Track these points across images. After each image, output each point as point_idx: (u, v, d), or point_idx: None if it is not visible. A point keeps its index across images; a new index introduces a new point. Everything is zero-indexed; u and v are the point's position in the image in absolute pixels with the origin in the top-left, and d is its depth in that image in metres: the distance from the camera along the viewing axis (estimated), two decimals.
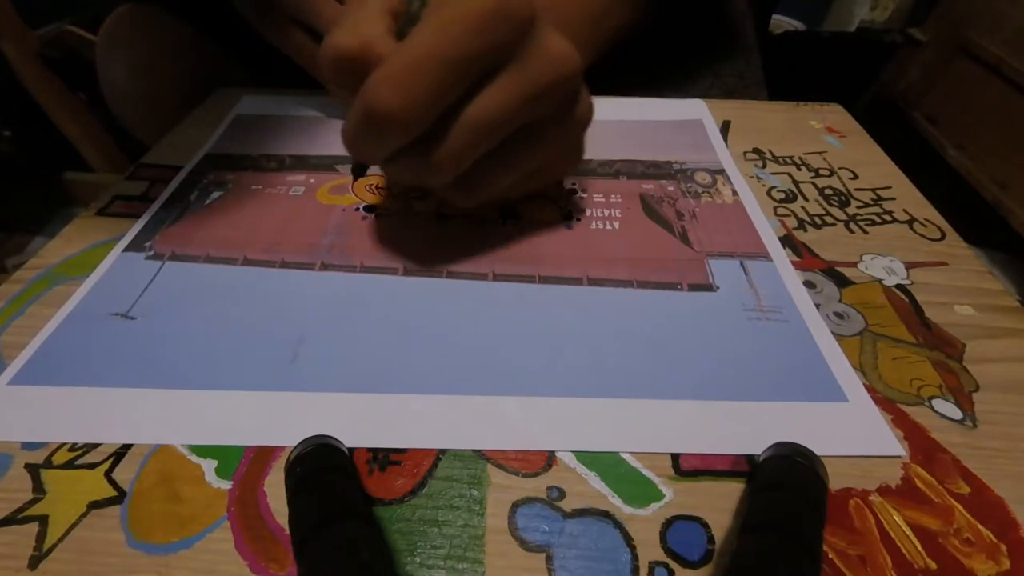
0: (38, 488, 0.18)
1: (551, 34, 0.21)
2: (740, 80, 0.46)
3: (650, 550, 0.16)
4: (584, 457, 0.18)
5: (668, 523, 0.17)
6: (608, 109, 0.38)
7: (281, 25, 0.36)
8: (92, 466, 0.18)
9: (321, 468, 0.16)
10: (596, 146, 0.34)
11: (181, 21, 0.46)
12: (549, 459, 0.18)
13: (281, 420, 0.19)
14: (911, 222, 0.28)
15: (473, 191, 0.24)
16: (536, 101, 0.21)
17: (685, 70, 0.46)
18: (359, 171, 0.26)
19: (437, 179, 0.22)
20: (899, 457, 0.18)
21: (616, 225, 0.28)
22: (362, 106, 0.19)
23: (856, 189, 0.31)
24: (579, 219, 0.28)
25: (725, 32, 0.48)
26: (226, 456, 0.18)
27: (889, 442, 0.19)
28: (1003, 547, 0.16)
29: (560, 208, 0.29)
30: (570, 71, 0.22)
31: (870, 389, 0.20)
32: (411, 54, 0.19)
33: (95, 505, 0.17)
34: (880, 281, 0.25)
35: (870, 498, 0.17)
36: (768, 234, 0.27)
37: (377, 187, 0.31)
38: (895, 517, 0.17)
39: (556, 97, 0.22)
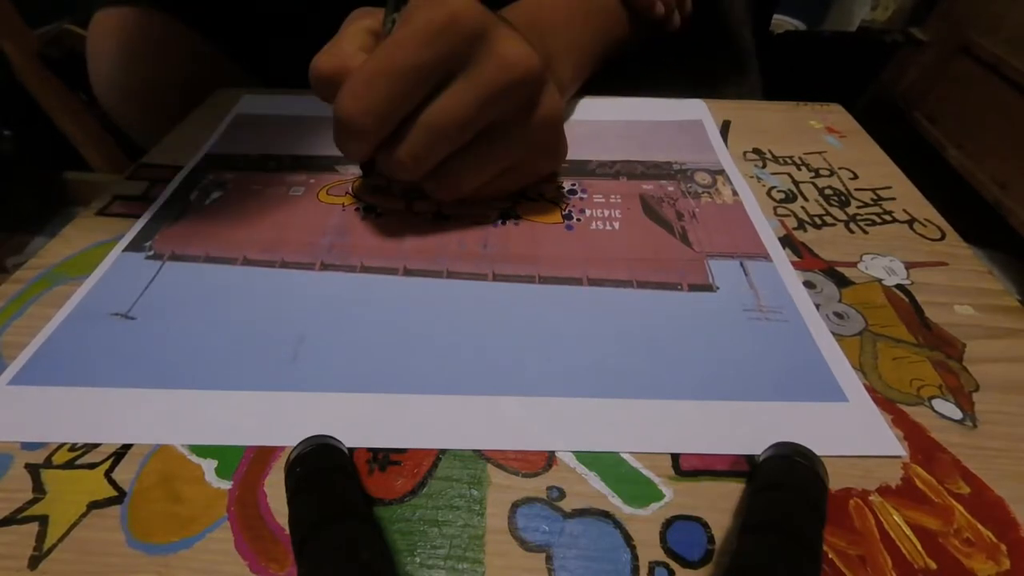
0: (38, 488, 0.18)
1: (507, 40, 0.22)
2: (737, 90, 0.46)
3: (650, 550, 0.16)
4: (584, 457, 0.18)
5: (668, 523, 0.17)
6: (608, 109, 0.38)
7: None
8: (92, 466, 0.18)
9: (321, 468, 0.16)
10: (596, 146, 0.34)
11: (173, 18, 0.46)
12: (549, 459, 0.18)
13: (281, 420, 0.19)
14: (911, 222, 0.28)
15: (448, 187, 0.26)
16: (490, 103, 0.23)
17: (681, 85, 0.46)
18: (366, 169, 0.28)
19: (405, 175, 0.24)
20: (899, 457, 0.18)
21: (616, 225, 0.28)
22: (334, 115, 0.23)
23: (856, 189, 0.31)
24: (579, 219, 0.28)
25: (723, 45, 0.48)
26: (226, 456, 0.18)
27: (889, 442, 0.19)
28: (1003, 547, 0.16)
29: (560, 208, 0.29)
30: (523, 74, 0.23)
31: (870, 389, 0.20)
32: (368, 67, 0.22)
33: (95, 505, 0.17)
34: (880, 281, 0.25)
35: (870, 498, 0.17)
36: (768, 234, 0.27)
37: (377, 187, 0.31)
38: (895, 517, 0.17)
39: (513, 99, 0.23)
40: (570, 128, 0.35)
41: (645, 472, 0.18)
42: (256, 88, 0.41)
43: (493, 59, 0.22)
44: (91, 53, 0.46)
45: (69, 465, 0.18)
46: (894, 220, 0.29)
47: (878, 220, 0.29)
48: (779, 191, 0.31)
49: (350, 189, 0.31)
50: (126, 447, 0.19)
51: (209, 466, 0.18)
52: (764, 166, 0.33)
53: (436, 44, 0.21)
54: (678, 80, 0.45)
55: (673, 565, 0.16)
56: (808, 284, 0.25)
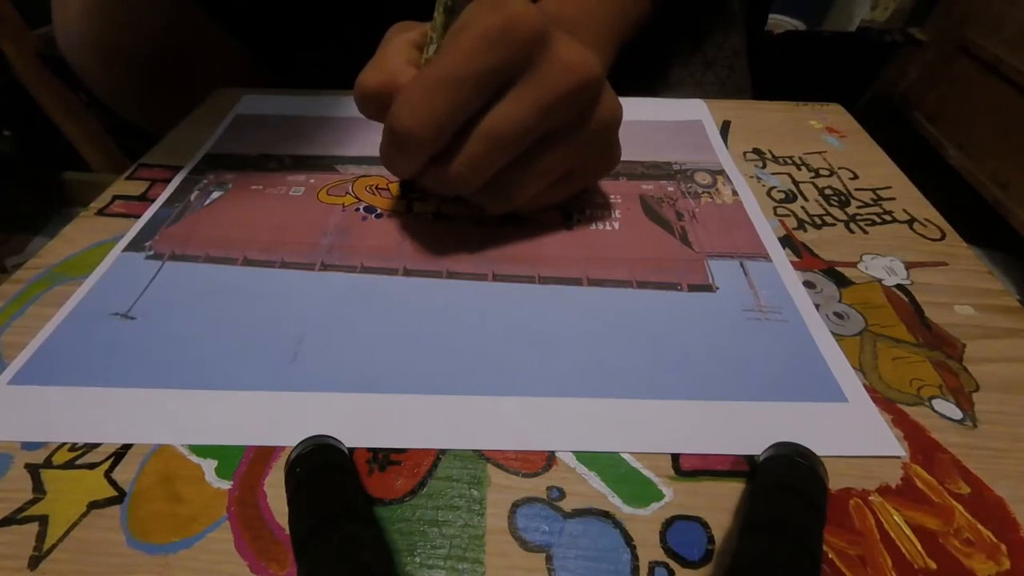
0: (38, 488, 0.18)
1: (565, 44, 0.22)
2: (721, 88, 0.46)
3: (650, 550, 0.16)
4: (584, 457, 0.18)
5: (668, 523, 0.17)
6: None
7: None
8: (92, 466, 0.18)
9: (321, 468, 0.16)
10: None
11: None
12: (549, 459, 0.18)
13: (281, 420, 0.19)
14: (911, 222, 0.28)
15: (503, 198, 0.25)
16: (551, 110, 0.22)
17: (664, 79, 0.45)
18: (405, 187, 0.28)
19: (462, 188, 0.23)
20: (899, 457, 0.18)
21: (616, 225, 0.28)
22: (387, 129, 0.22)
23: (856, 189, 0.31)
24: (579, 219, 0.28)
25: (710, 39, 0.47)
26: (226, 456, 0.18)
27: (889, 442, 0.19)
28: (1003, 547, 0.16)
29: (560, 208, 0.29)
30: (584, 78, 0.22)
31: (870, 389, 0.20)
32: (426, 77, 0.21)
33: (95, 505, 0.17)
34: (880, 281, 0.25)
35: (870, 498, 0.17)
36: (768, 234, 0.27)
37: (377, 187, 0.31)
38: (895, 517, 0.17)
39: (573, 104, 0.22)
40: None
41: (645, 472, 0.18)
42: (253, 86, 0.41)
43: (554, 64, 0.21)
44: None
45: (69, 465, 0.18)
46: (894, 220, 0.29)
47: (878, 220, 0.29)
48: (779, 191, 0.31)
49: (350, 189, 0.31)
50: (126, 447, 0.19)
51: (209, 466, 0.18)
52: (764, 166, 0.33)
53: (495, 50, 0.20)
54: (659, 80, 0.45)
55: (673, 565, 0.16)
56: (808, 284, 0.25)
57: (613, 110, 0.24)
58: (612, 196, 0.30)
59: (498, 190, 0.24)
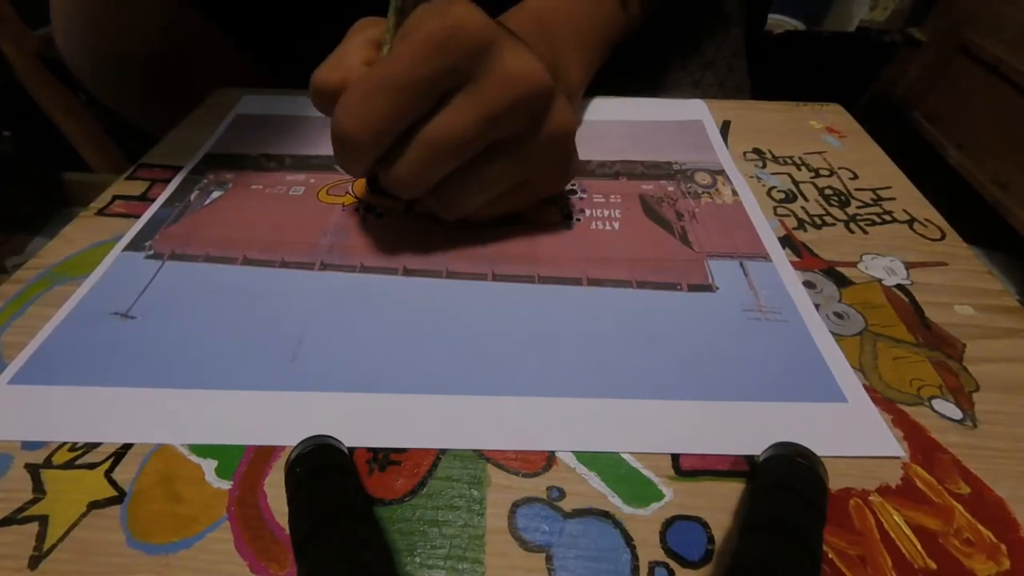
0: (38, 488, 0.18)
1: (513, 53, 0.21)
2: (720, 89, 0.46)
3: (650, 550, 0.16)
4: (584, 457, 0.18)
5: (668, 523, 0.17)
6: (608, 109, 0.38)
7: None
8: (92, 466, 0.18)
9: (321, 468, 0.16)
10: (596, 146, 0.34)
11: None
12: (549, 459, 0.18)
13: (281, 420, 0.19)
14: (911, 222, 0.29)
15: (451, 206, 0.25)
16: (493, 121, 0.21)
17: (663, 80, 0.45)
18: (372, 185, 0.28)
19: (406, 192, 0.23)
20: (899, 457, 0.18)
21: (616, 225, 0.28)
22: (332, 130, 0.22)
23: (856, 189, 0.31)
24: (579, 219, 0.28)
25: (709, 39, 0.47)
26: (226, 456, 0.18)
27: (889, 442, 0.19)
28: (1003, 547, 0.16)
29: (560, 208, 0.29)
30: (531, 89, 0.22)
31: (870, 389, 0.20)
32: (366, 82, 0.21)
33: (95, 505, 0.17)
34: (880, 281, 0.25)
35: (870, 498, 0.17)
36: (768, 234, 0.27)
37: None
38: (895, 517, 0.17)
39: (519, 115, 0.22)
40: None
41: (645, 472, 0.18)
42: (252, 86, 0.41)
43: (497, 74, 0.21)
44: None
45: (69, 465, 0.18)
46: (894, 220, 0.29)
47: (878, 220, 0.29)
48: (779, 191, 0.31)
49: (350, 189, 0.31)
50: (126, 447, 0.19)
51: (209, 466, 0.18)
52: (764, 166, 0.33)
53: (436, 58, 0.20)
54: (658, 80, 0.45)
55: (673, 565, 0.16)
56: (808, 284, 0.25)
57: (564, 122, 0.24)
58: (612, 196, 0.30)
59: (444, 198, 0.24)
